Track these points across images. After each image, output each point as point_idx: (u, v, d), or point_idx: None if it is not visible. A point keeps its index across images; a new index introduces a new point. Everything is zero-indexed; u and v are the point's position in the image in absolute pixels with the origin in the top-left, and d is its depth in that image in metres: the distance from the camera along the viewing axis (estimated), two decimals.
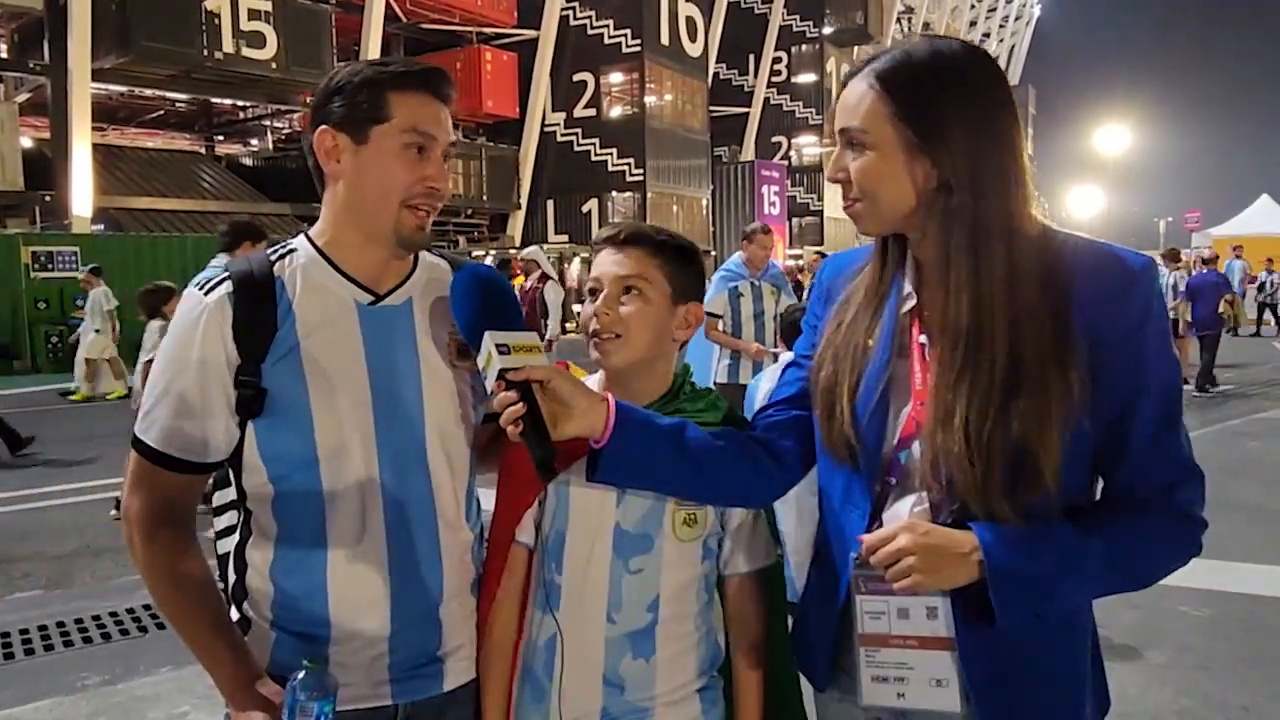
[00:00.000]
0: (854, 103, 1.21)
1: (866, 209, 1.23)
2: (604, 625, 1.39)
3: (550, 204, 28.79)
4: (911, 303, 1.27)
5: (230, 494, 1.42)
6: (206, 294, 1.35)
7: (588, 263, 18.64)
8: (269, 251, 1.42)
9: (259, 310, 1.34)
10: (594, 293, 1.45)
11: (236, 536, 1.43)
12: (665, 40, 28.43)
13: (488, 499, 1.52)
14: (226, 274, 1.37)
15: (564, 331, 9.72)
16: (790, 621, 1.49)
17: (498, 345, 1.24)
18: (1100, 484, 1.25)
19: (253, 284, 1.35)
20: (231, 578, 1.43)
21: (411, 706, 1.41)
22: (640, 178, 27.78)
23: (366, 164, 1.36)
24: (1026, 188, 1.20)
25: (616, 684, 1.39)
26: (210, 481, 1.46)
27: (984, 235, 1.17)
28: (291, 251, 1.42)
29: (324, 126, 1.37)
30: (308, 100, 23.04)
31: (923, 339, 1.25)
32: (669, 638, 1.41)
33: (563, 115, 28.57)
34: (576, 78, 28.32)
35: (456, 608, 1.45)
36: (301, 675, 1.21)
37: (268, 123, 29.04)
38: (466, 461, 1.48)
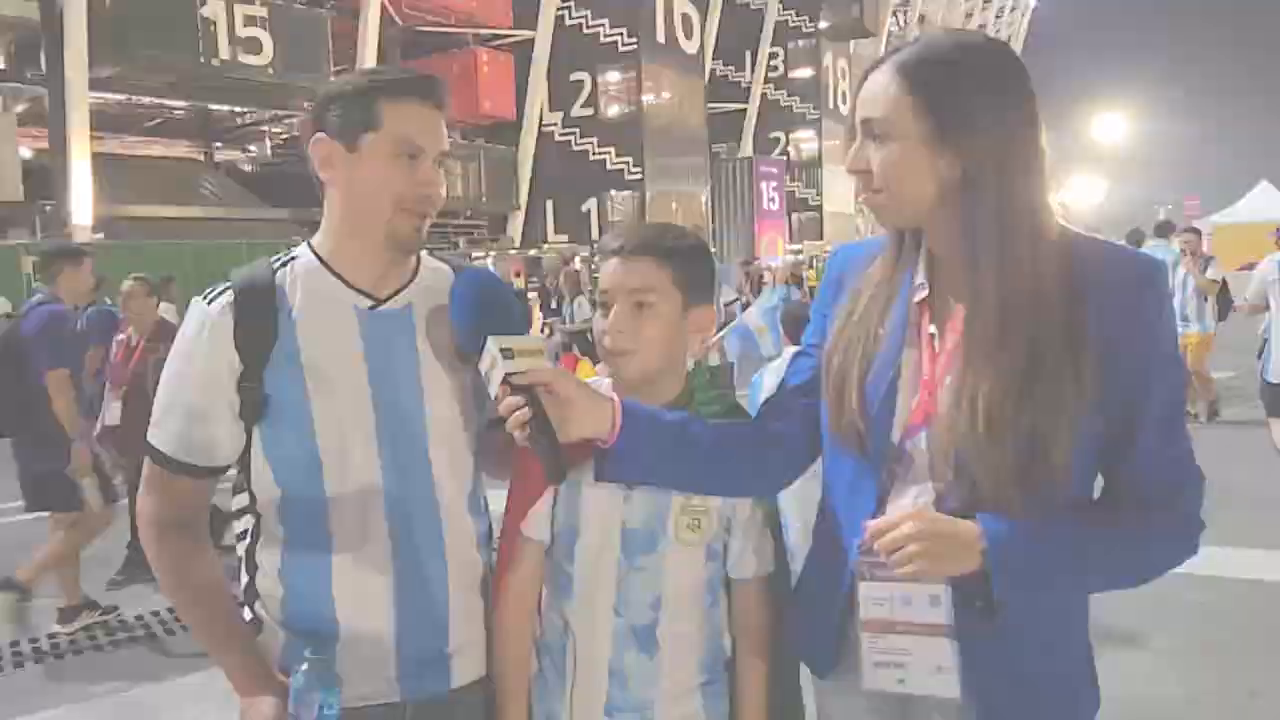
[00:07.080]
0: (877, 94, 1.20)
1: (888, 200, 1.23)
2: (612, 618, 1.41)
3: (549, 204, 28.74)
4: (923, 293, 1.27)
5: (245, 499, 1.45)
6: (209, 304, 1.40)
7: (587, 263, 18.58)
8: (272, 260, 1.45)
9: (260, 318, 1.37)
10: (605, 305, 1.43)
11: (249, 539, 1.46)
12: (661, 38, 28.36)
13: (498, 499, 1.52)
14: (229, 285, 1.41)
15: None
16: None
17: (501, 350, 1.24)
18: (1100, 482, 1.25)
19: (254, 292, 1.39)
20: (244, 579, 1.46)
21: (420, 703, 1.43)
22: (639, 176, 27.72)
23: (359, 171, 1.38)
24: (1046, 178, 1.20)
25: (621, 676, 1.41)
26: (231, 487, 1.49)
27: (1009, 223, 1.17)
28: (293, 260, 1.45)
29: (320, 135, 1.40)
30: (306, 105, 23.07)
31: (932, 329, 1.26)
32: (671, 636, 1.42)
33: (560, 115, 28.48)
34: (573, 77, 28.23)
35: (463, 605, 1.47)
36: (305, 666, 1.25)
37: (266, 128, 28.98)
38: (470, 461, 1.50)
